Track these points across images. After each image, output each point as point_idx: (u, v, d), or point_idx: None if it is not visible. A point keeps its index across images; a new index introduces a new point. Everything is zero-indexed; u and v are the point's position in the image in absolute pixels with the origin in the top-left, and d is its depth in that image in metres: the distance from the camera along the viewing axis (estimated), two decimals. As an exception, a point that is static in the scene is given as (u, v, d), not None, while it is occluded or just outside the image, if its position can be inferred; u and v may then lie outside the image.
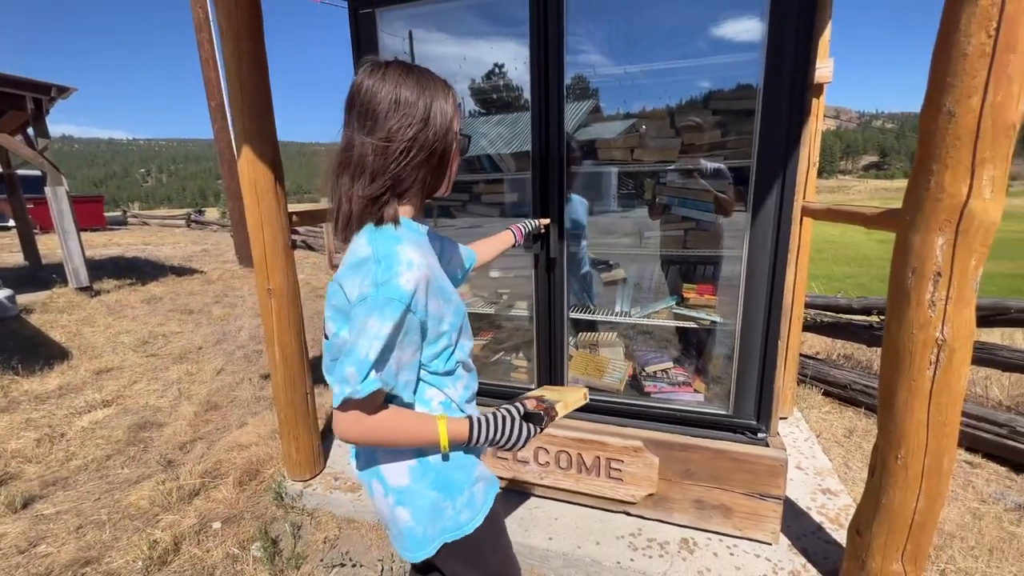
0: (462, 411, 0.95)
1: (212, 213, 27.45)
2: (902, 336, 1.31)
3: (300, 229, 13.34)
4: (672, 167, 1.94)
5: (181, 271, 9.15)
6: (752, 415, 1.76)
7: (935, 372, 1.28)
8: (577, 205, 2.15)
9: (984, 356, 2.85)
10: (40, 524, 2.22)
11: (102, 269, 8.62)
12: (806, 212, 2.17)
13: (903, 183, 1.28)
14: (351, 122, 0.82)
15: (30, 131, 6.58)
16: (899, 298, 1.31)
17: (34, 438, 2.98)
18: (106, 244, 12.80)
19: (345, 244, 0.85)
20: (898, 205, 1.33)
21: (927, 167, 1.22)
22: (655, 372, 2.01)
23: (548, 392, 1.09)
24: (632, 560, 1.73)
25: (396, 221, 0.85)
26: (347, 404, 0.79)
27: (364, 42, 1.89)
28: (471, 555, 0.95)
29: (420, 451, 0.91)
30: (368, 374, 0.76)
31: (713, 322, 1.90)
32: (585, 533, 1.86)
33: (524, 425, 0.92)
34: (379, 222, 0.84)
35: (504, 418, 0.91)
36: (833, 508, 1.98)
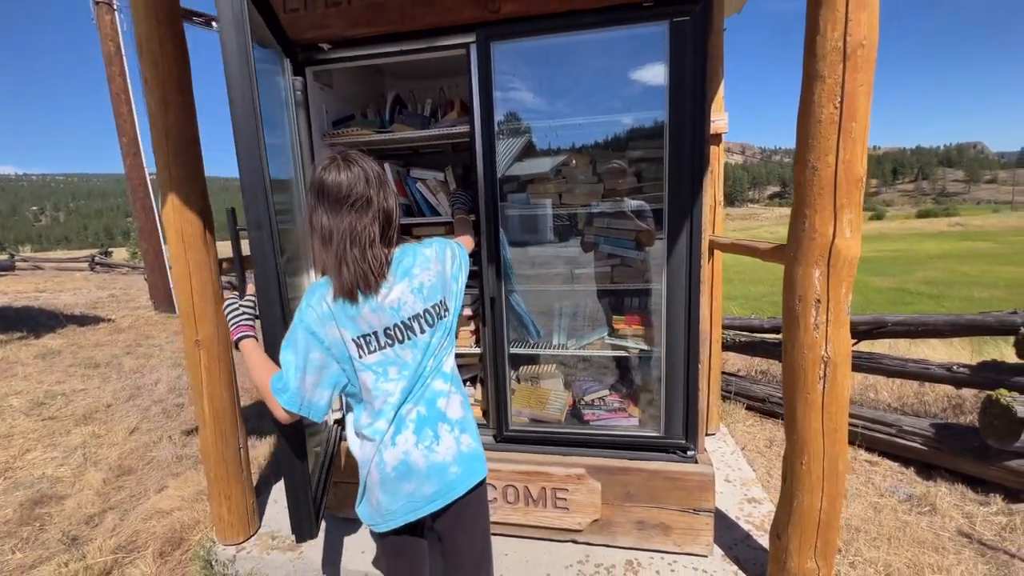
0: None
1: (120, 254, 25.07)
2: (796, 356, 1.50)
3: (224, 269, 12.64)
4: (597, 209, 2.12)
5: (84, 320, 8.27)
6: (681, 435, 1.90)
7: (824, 385, 1.48)
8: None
9: (871, 365, 3.26)
10: (-95, 632, 1.89)
11: (-16, 322, 7.60)
12: (715, 245, 2.43)
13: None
14: (378, 193, 1.15)
15: None
16: (791, 323, 1.51)
17: None
18: (-11, 293, 11.30)
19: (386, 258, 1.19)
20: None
21: (802, 211, 1.44)
22: (592, 400, 2.12)
23: None
24: (580, 585, 1.77)
25: None
26: None
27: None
28: (486, 491, 1.37)
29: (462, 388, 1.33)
30: None
31: (642, 350, 2.06)
32: (535, 567, 1.89)
33: None
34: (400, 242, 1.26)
35: None
36: (758, 515, 2.16)
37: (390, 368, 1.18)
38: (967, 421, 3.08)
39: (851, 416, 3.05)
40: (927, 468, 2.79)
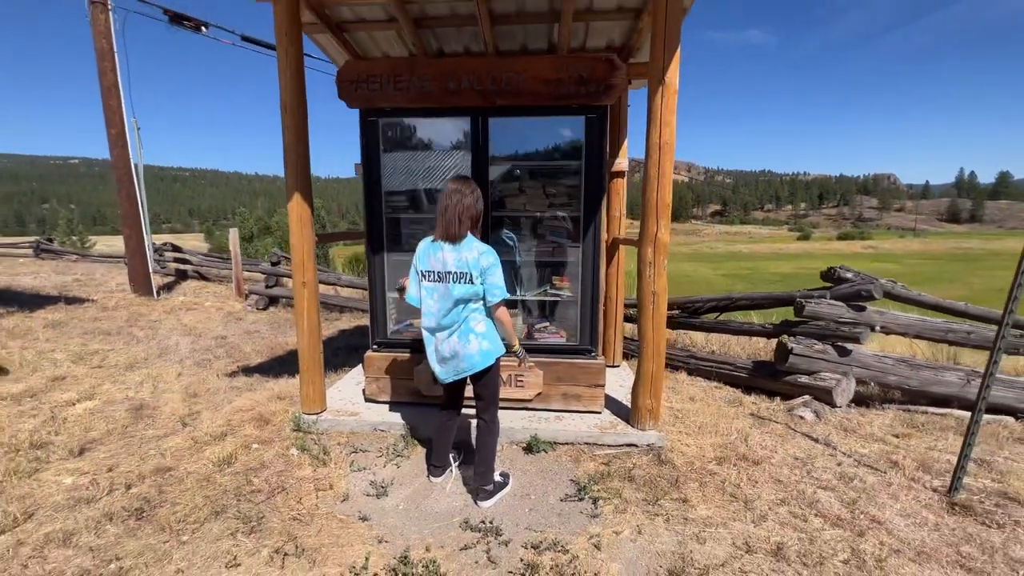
0: None
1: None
2: (641, 293, 2.97)
3: (193, 259, 13.03)
4: (547, 214, 3.55)
5: (67, 300, 8.75)
6: (588, 344, 3.33)
7: (653, 307, 2.95)
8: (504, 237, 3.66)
9: (723, 327, 4.88)
10: (106, 461, 2.97)
11: (-27, 297, 7.98)
12: (620, 241, 3.93)
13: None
14: (466, 198, 2.29)
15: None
16: (640, 276, 2.98)
17: (40, 420, 3.52)
18: (-54, 273, 11.23)
19: (453, 242, 2.32)
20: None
21: (644, 219, 2.92)
22: (540, 328, 3.52)
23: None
24: (530, 424, 3.17)
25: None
26: (502, 302, 2.38)
27: (370, 138, 3.24)
28: (496, 369, 2.48)
29: (489, 319, 2.44)
30: (506, 289, 2.40)
31: (568, 296, 3.49)
32: (504, 419, 3.25)
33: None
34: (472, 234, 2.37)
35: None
36: (635, 400, 3.63)
37: (433, 294, 2.37)
38: (779, 363, 4.73)
39: (709, 360, 4.67)
40: (748, 388, 4.40)
